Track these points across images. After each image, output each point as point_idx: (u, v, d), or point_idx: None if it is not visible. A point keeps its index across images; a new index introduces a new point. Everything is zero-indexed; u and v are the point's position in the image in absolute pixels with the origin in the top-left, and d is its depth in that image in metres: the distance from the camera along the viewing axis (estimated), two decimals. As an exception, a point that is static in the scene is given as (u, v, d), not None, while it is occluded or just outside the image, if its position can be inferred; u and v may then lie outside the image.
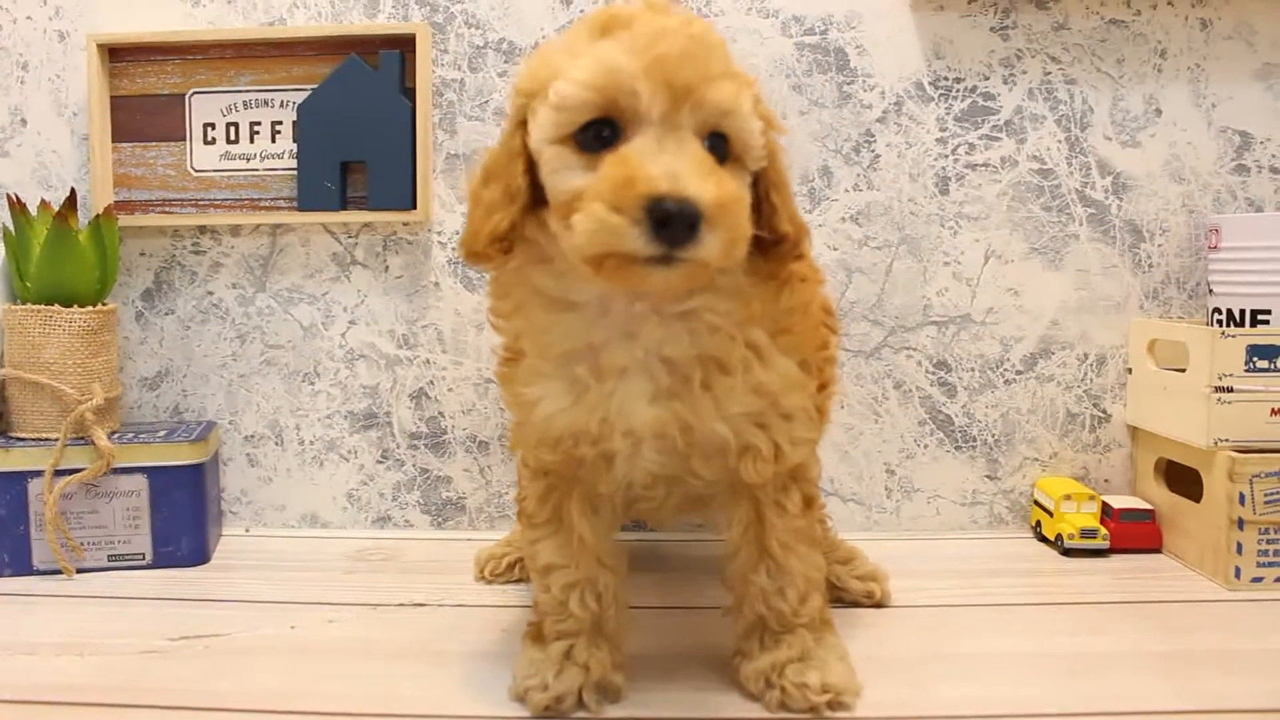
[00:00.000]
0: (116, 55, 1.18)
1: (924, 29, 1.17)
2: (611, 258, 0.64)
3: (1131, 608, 0.96)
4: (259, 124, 1.19)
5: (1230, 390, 1.02)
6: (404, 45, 1.16)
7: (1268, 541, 1.00)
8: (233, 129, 1.19)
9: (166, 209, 1.20)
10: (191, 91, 1.19)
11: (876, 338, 1.19)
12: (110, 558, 1.08)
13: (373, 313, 1.21)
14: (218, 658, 0.85)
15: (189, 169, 1.20)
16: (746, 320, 0.73)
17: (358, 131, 1.15)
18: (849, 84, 1.18)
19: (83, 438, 1.06)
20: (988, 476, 1.21)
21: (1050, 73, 1.17)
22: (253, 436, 1.23)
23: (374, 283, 1.21)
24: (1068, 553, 1.10)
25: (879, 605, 0.96)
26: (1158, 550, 1.11)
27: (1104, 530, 1.10)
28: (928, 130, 1.18)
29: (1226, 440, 1.02)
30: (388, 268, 1.21)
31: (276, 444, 1.23)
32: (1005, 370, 1.20)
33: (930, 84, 1.17)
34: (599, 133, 0.66)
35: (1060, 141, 1.18)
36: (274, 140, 1.19)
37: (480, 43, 1.18)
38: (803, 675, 0.75)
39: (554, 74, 0.67)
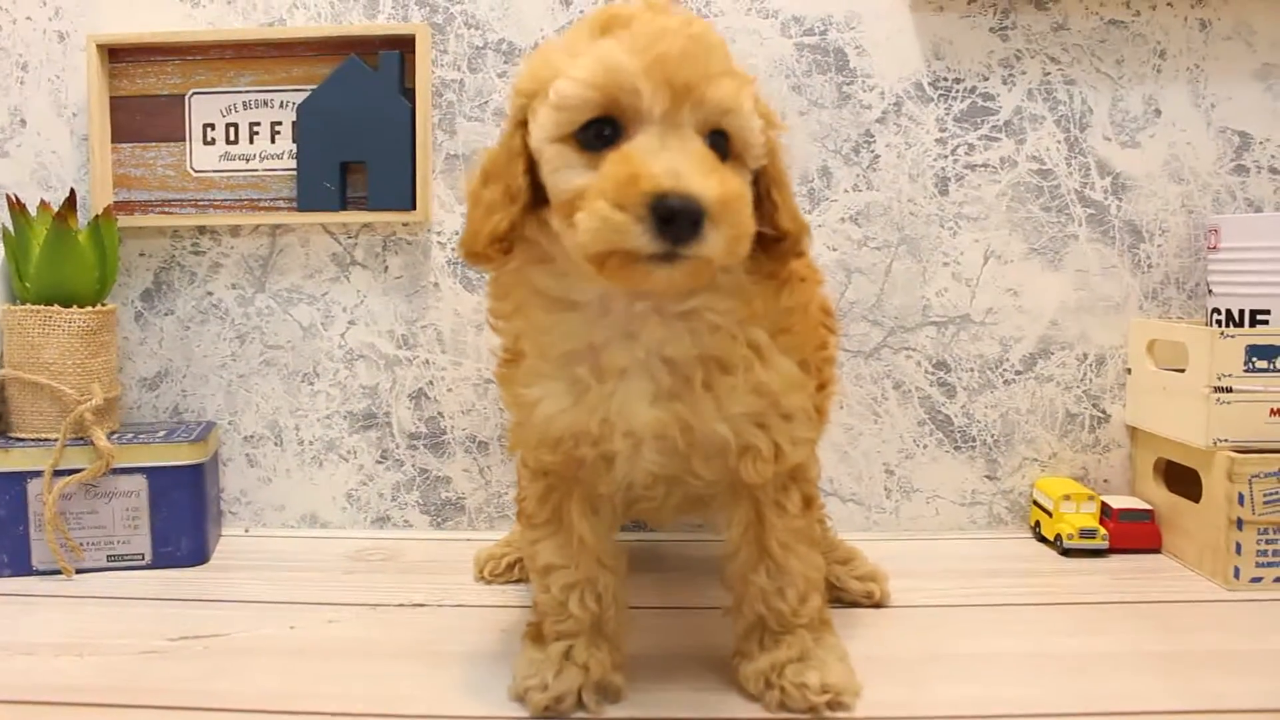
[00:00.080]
0: (116, 56, 1.18)
1: (923, 29, 1.17)
2: (615, 256, 0.64)
3: (1130, 608, 0.96)
4: (259, 124, 1.19)
5: (1229, 390, 1.02)
6: (404, 46, 1.16)
7: (1267, 542, 1.00)
8: (232, 129, 1.19)
9: (166, 209, 1.20)
10: (191, 92, 1.19)
11: (876, 338, 1.19)
12: (109, 558, 1.08)
13: (372, 313, 1.21)
14: (217, 658, 0.85)
15: (188, 169, 1.20)
16: (747, 319, 0.73)
17: (357, 132, 1.16)
18: (848, 84, 1.18)
19: (82, 438, 1.06)
20: (987, 477, 1.21)
21: (1050, 73, 1.17)
22: (252, 437, 1.23)
23: (373, 283, 1.21)
24: (1067, 553, 1.10)
25: (878, 605, 0.96)
26: (1157, 550, 1.11)
27: (1103, 530, 1.10)
28: (927, 131, 1.18)
29: (1226, 440, 1.02)
30: (387, 268, 1.21)
31: (276, 444, 1.23)
32: (1004, 370, 1.20)
33: (930, 84, 1.17)
34: (600, 131, 0.67)
35: (1059, 142, 1.18)
36: (273, 141, 1.19)
37: (480, 43, 1.18)
38: (802, 675, 0.75)
39: (555, 73, 0.67)
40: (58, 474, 1.04)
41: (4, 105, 1.20)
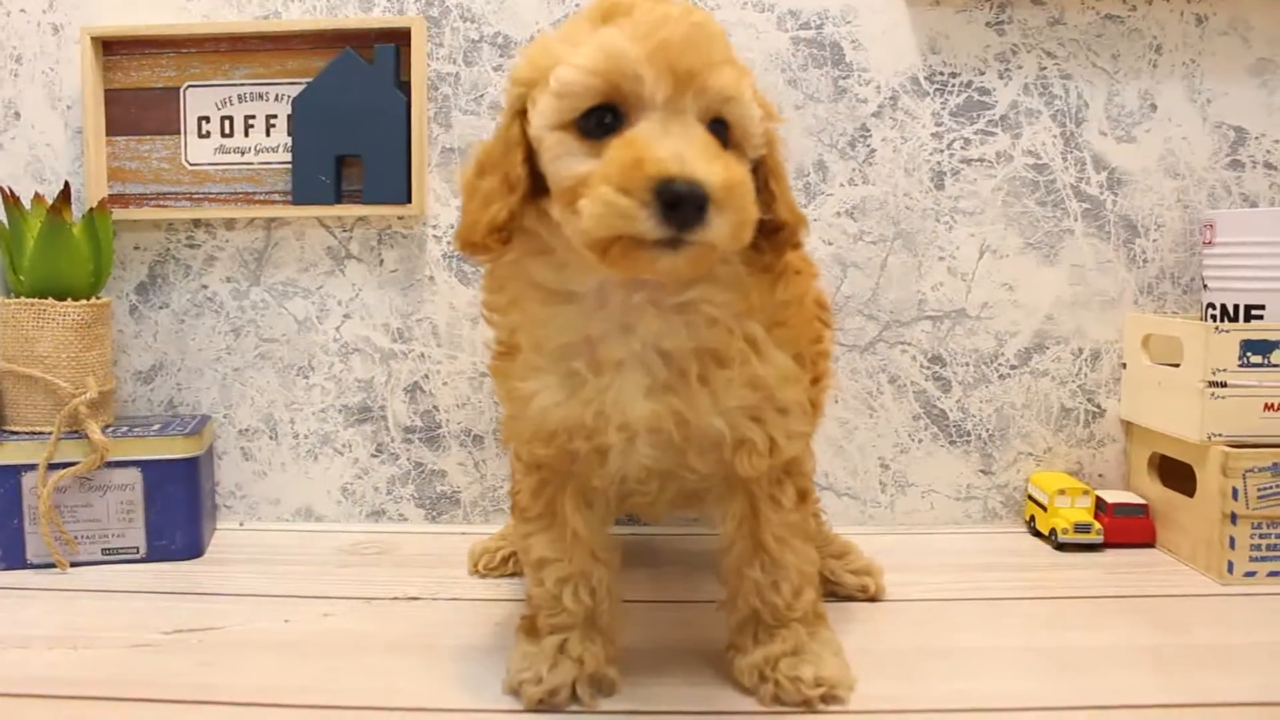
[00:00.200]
0: (111, 48, 1.18)
1: (919, 23, 1.17)
2: (619, 242, 0.63)
3: (1125, 602, 0.96)
4: (254, 117, 1.19)
5: (1224, 385, 1.02)
6: (399, 39, 1.15)
7: (1260, 536, 1.00)
8: (227, 122, 1.19)
9: (161, 202, 1.20)
10: (186, 85, 1.19)
11: (871, 332, 1.19)
12: (104, 551, 1.07)
13: (367, 306, 1.21)
14: (211, 651, 0.85)
15: (183, 162, 1.19)
16: (744, 312, 0.73)
17: (352, 125, 1.15)
18: (844, 78, 1.17)
19: (77, 431, 1.06)
20: (982, 471, 1.21)
21: (1046, 68, 1.17)
22: (247, 430, 1.23)
23: (369, 276, 1.21)
24: (1061, 547, 1.11)
25: (873, 599, 0.96)
26: (1151, 545, 1.12)
27: (1098, 525, 1.10)
28: (923, 125, 1.18)
29: (1220, 435, 1.02)
30: (382, 261, 1.20)
31: (271, 438, 1.23)
32: (1000, 365, 1.20)
33: (926, 79, 1.17)
34: (601, 119, 0.66)
35: (1055, 136, 1.18)
36: (269, 134, 1.19)
37: (475, 36, 1.18)
38: (796, 669, 0.76)
39: (555, 61, 0.67)
40: (52, 467, 1.04)
41: (-2, 98, 1.20)
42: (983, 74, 1.17)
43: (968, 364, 1.20)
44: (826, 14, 1.17)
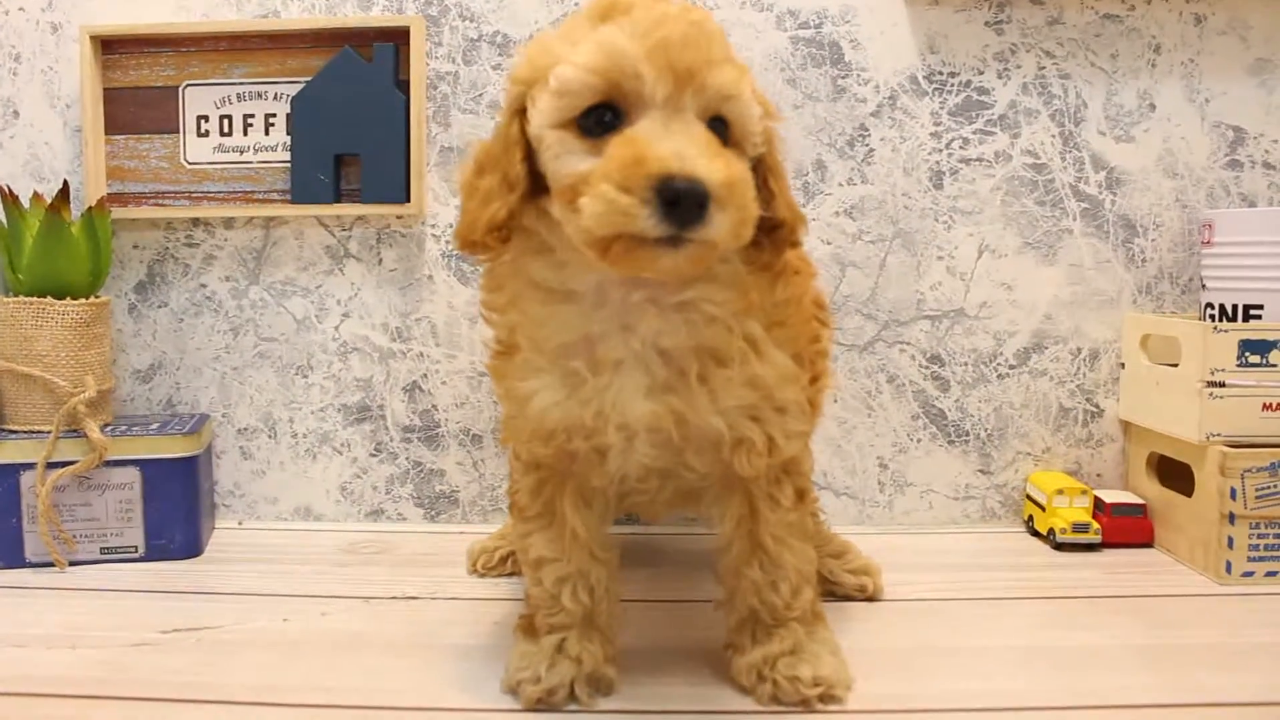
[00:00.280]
0: (110, 47, 1.18)
1: (918, 23, 1.17)
2: (620, 240, 0.63)
3: (1123, 602, 0.96)
4: (252, 116, 1.19)
5: (1222, 385, 1.02)
6: (398, 38, 1.15)
7: (1259, 536, 1.00)
8: (226, 121, 1.19)
9: (160, 201, 1.20)
10: (185, 84, 1.19)
11: (870, 332, 1.19)
12: (103, 550, 1.07)
13: (366, 306, 1.21)
14: (209, 650, 0.85)
15: (182, 161, 1.19)
16: (743, 311, 0.73)
17: (351, 124, 1.15)
18: (843, 78, 1.18)
19: (75, 430, 1.06)
20: (980, 471, 1.21)
21: (1044, 67, 1.17)
22: (246, 429, 1.23)
23: (367, 276, 1.21)
24: (1060, 547, 1.11)
25: (871, 599, 0.97)
26: (1149, 545, 1.12)
27: (1096, 525, 1.10)
28: (922, 124, 1.18)
29: (1218, 435, 1.02)
30: (381, 261, 1.20)
31: (269, 437, 1.23)
32: (998, 365, 1.20)
33: (924, 78, 1.17)
34: (601, 118, 0.66)
35: (1054, 136, 1.18)
36: (267, 133, 1.19)
37: (474, 35, 1.18)
38: (794, 668, 0.76)
39: (554, 60, 0.67)
40: (51, 466, 1.04)
41: (-3, 96, 1.20)
42: (981, 73, 1.17)
43: (966, 363, 1.20)
44: (825, 13, 1.17)
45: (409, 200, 1.16)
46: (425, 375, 1.21)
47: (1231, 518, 1.00)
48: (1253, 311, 1.07)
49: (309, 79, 1.16)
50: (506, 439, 0.81)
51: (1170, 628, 0.90)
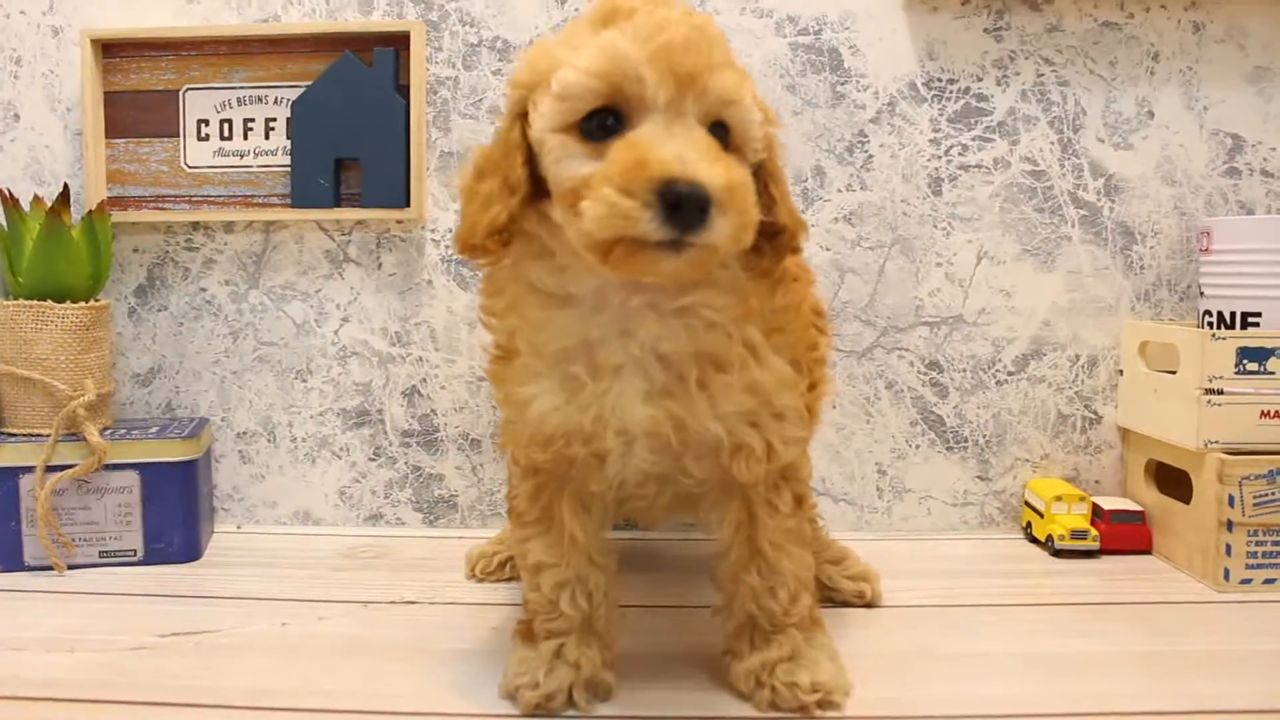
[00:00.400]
0: (110, 51, 1.18)
1: (917, 30, 1.17)
2: (621, 244, 0.64)
3: (1121, 609, 0.96)
4: (253, 120, 1.19)
5: (1220, 392, 1.02)
6: (398, 43, 1.16)
7: (1257, 544, 1.01)
8: (226, 125, 1.19)
9: (160, 205, 1.20)
10: (185, 87, 1.19)
11: (869, 338, 1.20)
12: (102, 554, 1.07)
13: (365, 310, 1.21)
14: (208, 654, 0.85)
15: (182, 165, 1.19)
16: (742, 317, 0.73)
17: (351, 129, 1.15)
18: (843, 84, 1.18)
19: (75, 434, 1.06)
20: (979, 477, 1.21)
21: (1043, 74, 1.17)
22: (245, 433, 1.23)
23: (367, 280, 1.21)
24: (1058, 553, 1.11)
25: (870, 605, 0.97)
26: (1147, 552, 1.12)
27: (1094, 531, 1.10)
28: (921, 131, 1.18)
29: (1216, 442, 1.02)
30: (381, 265, 1.20)
31: (269, 441, 1.23)
32: (997, 371, 1.20)
33: (924, 85, 1.18)
34: (603, 122, 0.67)
35: (1053, 143, 1.18)
36: (268, 137, 1.19)
37: (474, 40, 1.18)
38: (793, 674, 0.76)
39: (556, 64, 0.67)
40: (50, 469, 1.04)
41: (-3, 100, 1.20)
42: (980, 80, 1.18)
43: (965, 370, 1.20)
44: (825, 20, 1.17)
45: (409, 205, 1.16)
46: (424, 380, 1.21)
47: (1230, 525, 1.00)
48: (1251, 319, 1.07)
49: (309, 83, 1.16)
50: (505, 444, 0.81)
51: (1168, 635, 0.90)
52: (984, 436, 1.20)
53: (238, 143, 1.19)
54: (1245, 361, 1.02)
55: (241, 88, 1.19)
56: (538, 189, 0.70)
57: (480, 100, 1.19)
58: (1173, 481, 1.11)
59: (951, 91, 1.18)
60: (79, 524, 1.07)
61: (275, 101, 1.18)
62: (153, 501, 1.08)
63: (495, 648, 0.86)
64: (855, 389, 1.20)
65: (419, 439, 1.22)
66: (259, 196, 1.19)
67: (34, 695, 0.77)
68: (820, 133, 1.18)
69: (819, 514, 1.00)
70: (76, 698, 0.77)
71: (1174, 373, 1.07)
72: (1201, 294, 1.13)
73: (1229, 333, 1.04)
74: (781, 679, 0.75)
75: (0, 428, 1.10)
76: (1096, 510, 1.13)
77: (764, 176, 0.72)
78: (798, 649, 0.77)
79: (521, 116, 0.70)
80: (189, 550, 1.10)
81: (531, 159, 0.70)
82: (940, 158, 1.18)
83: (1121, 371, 1.19)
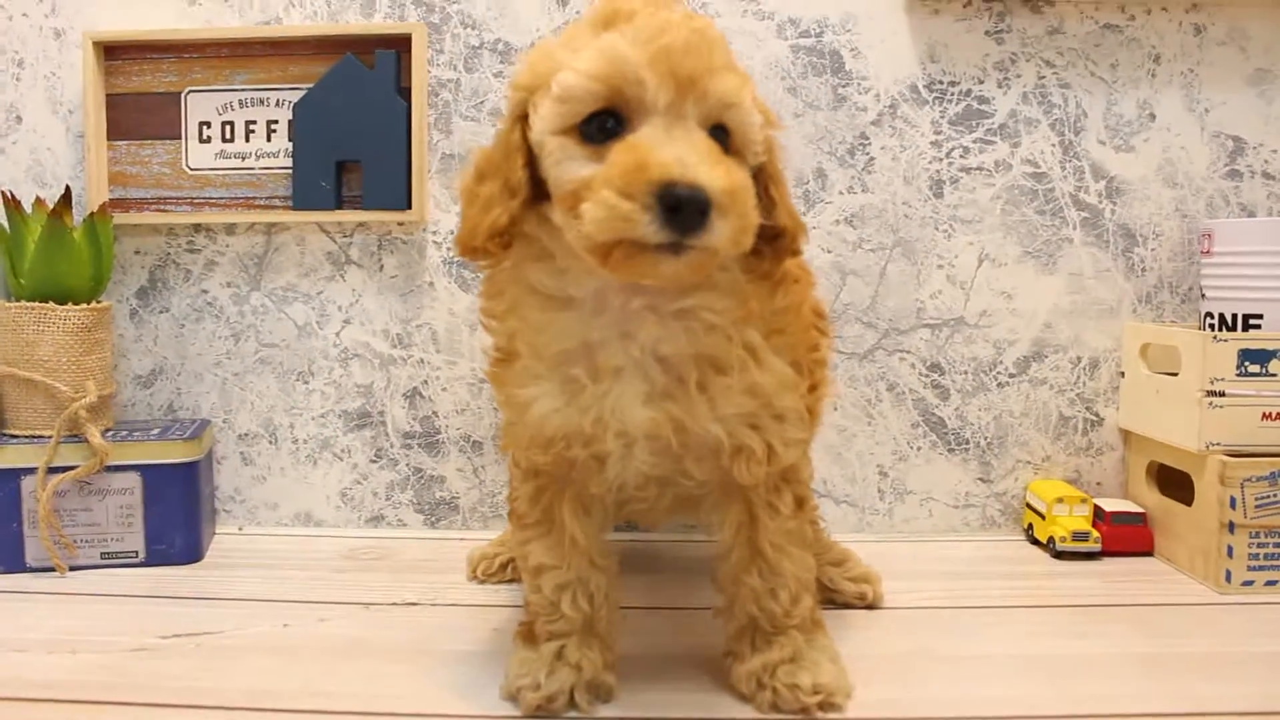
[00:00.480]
0: (112, 53, 1.18)
1: (919, 32, 1.17)
2: (621, 246, 0.64)
3: (1122, 610, 0.96)
4: (254, 123, 1.19)
5: (1222, 395, 1.02)
6: (400, 45, 1.16)
7: (1258, 545, 1.00)
8: (228, 127, 1.19)
9: (161, 207, 1.20)
10: (187, 90, 1.19)
11: (870, 340, 1.20)
12: (103, 555, 1.08)
13: (367, 312, 1.21)
14: (209, 656, 0.85)
15: (184, 167, 1.20)
16: (742, 319, 0.73)
17: (353, 131, 1.16)
18: (844, 86, 1.18)
19: (76, 435, 1.06)
20: (980, 479, 1.21)
21: (1044, 77, 1.18)
22: (246, 435, 1.23)
23: (368, 282, 1.21)
24: (1059, 555, 1.11)
25: (871, 607, 0.97)
26: (1149, 553, 1.12)
27: (1096, 533, 1.10)
28: (922, 133, 1.18)
29: (1218, 444, 1.02)
30: (382, 267, 1.21)
31: (270, 443, 1.23)
32: (998, 373, 1.20)
33: (925, 87, 1.18)
34: (603, 124, 0.67)
35: (1054, 145, 1.18)
36: (269, 139, 1.19)
37: (476, 43, 1.18)
38: (794, 676, 0.76)
39: (556, 66, 0.67)
40: (52, 471, 1.04)
41: (0, 102, 1.20)
42: (982, 83, 1.18)
43: (966, 372, 1.20)
44: (826, 22, 1.17)
45: (410, 207, 1.16)
46: (426, 382, 1.21)
47: (1231, 527, 1.00)
48: (1252, 321, 1.07)
49: (311, 86, 1.16)
50: (506, 446, 0.81)
51: (1169, 637, 0.90)
52: (985, 438, 1.20)
53: (239, 145, 1.19)
54: (1247, 363, 1.02)
55: (243, 90, 1.19)
56: (538, 191, 0.70)
57: (482, 102, 1.19)
58: (1174, 483, 1.11)
59: (953, 94, 1.18)
60: (81, 525, 1.07)
61: (277, 104, 1.19)
62: (154, 503, 1.08)
63: (497, 649, 0.86)
64: (857, 391, 1.20)
65: (420, 441, 1.22)
66: (260, 198, 1.20)
67: (36, 696, 0.77)
68: (821, 135, 1.18)
69: (820, 516, 1.00)
70: (78, 699, 0.77)
71: (1175, 375, 1.07)
72: (1203, 296, 1.13)
73: (1230, 335, 1.04)
74: (783, 680, 0.76)
75: (2, 429, 1.10)
76: (1098, 512, 1.13)
77: (764, 179, 0.72)
78: (799, 650, 0.77)
79: (522, 119, 0.70)
80: (190, 552, 1.10)
81: (532, 161, 0.70)
82: (941, 160, 1.18)
83: (1123, 373, 1.19)
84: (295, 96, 1.17)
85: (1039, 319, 1.19)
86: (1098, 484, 1.21)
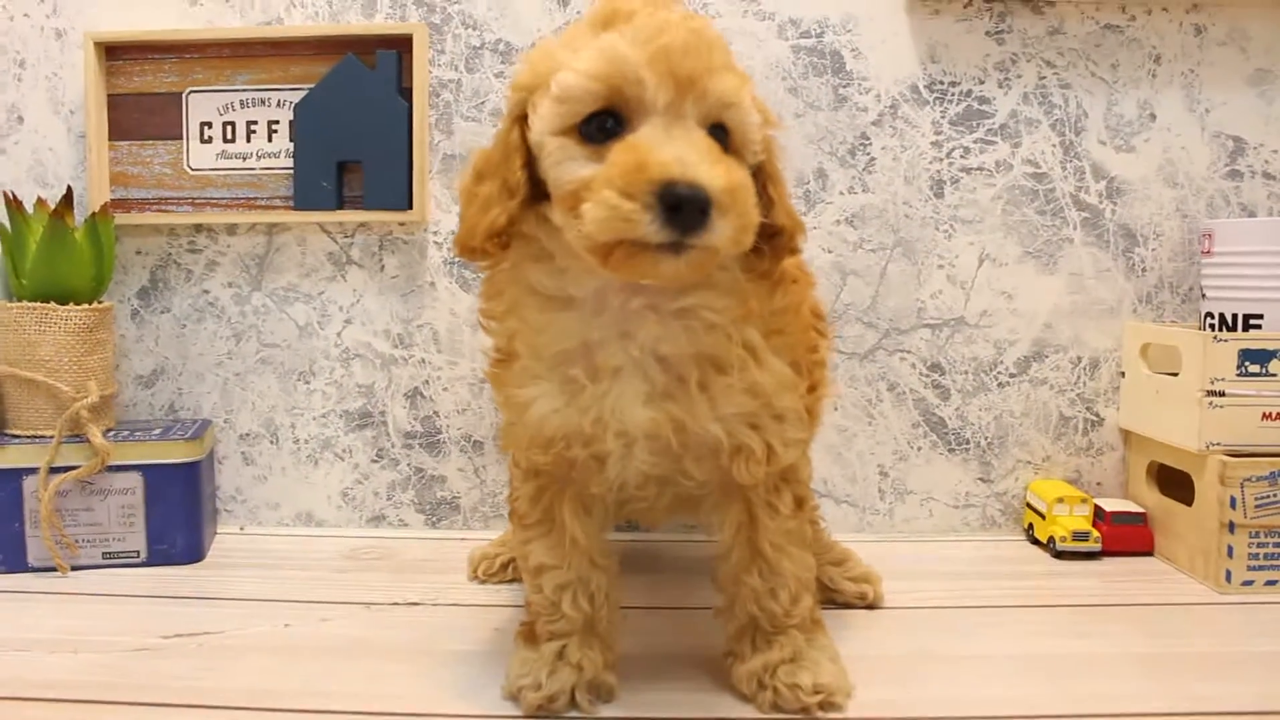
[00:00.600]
0: (114, 53, 1.19)
1: (919, 33, 1.17)
2: (621, 246, 0.64)
3: (1122, 610, 0.96)
4: (255, 123, 1.19)
5: (1222, 394, 1.02)
6: (401, 45, 1.16)
7: (1258, 545, 1.01)
8: (229, 128, 1.19)
9: (163, 207, 1.20)
10: (188, 90, 1.19)
11: (870, 340, 1.20)
12: (105, 555, 1.08)
13: (368, 312, 1.21)
14: (211, 656, 0.86)
15: (185, 167, 1.20)
16: (742, 319, 0.73)
17: (354, 131, 1.16)
18: (845, 87, 1.18)
19: (78, 435, 1.06)
20: (980, 479, 1.21)
21: (1045, 77, 1.18)
22: (248, 435, 1.23)
23: (370, 282, 1.21)
24: (1060, 555, 1.11)
25: (872, 607, 0.97)
26: (1149, 553, 1.12)
27: (1096, 533, 1.10)
28: (923, 134, 1.18)
29: (1218, 444, 1.02)
30: (383, 267, 1.21)
31: (271, 442, 1.23)
32: (998, 373, 1.20)
33: (925, 87, 1.18)
34: (603, 124, 0.67)
35: (1055, 145, 1.18)
36: (270, 139, 1.19)
37: (477, 43, 1.18)
38: (795, 676, 0.76)
39: (556, 67, 0.67)
40: (53, 471, 1.05)
41: (1, 102, 1.20)
42: (982, 83, 1.18)
43: (967, 372, 1.20)
44: (827, 22, 1.17)
45: (411, 207, 1.16)
46: (427, 382, 1.22)
47: (1231, 527, 1.00)
48: (1252, 321, 1.07)
49: (312, 86, 1.16)
50: (506, 446, 0.81)
51: (1170, 636, 0.90)
52: (986, 438, 1.20)
53: (240, 145, 1.19)
54: (1247, 364, 1.02)
55: (244, 90, 1.19)
56: (537, 191, 0.70)
57: (483, 103, 1.19)
58: (1174, 483, 1.11)
59: (953, 94, 1.18)
60: (82, 525, 1.07)
61: (278, 104, 1.19)
62: (156, 503, 1.08)
63: (498, 649, 0.86)
64: (857, 391, 1.20)
65: (421, 441, 1.22)
66: (262, 199, 1.20)
67: (37, 696, 0.78)
68: (822, 135, 1.18)
69: (821, 516, 1.00)
70: (79, 699, 0.77)
71: (1176, 375, 1.08)
72: (1203, 296, 1.13)
73: (1231, 335, 1.04)
74: (783, 680, 0.76)
75: (4, 429, 1.11)
76: (1098, 512, 1.13)
77: (763, 178, 0.72)
78: (799, 650, 0.77)
79: (521, 119, 0.70)
80: (192, 552, 1.10)
81: (531, 161, 0.70)
82: (942, 160, 1.18)
83: (1123, 373, 1.19)
84: (296, 97, 1.17)
85: (1039, 319, 1.20)
86: (1098, 484, 1.21)
